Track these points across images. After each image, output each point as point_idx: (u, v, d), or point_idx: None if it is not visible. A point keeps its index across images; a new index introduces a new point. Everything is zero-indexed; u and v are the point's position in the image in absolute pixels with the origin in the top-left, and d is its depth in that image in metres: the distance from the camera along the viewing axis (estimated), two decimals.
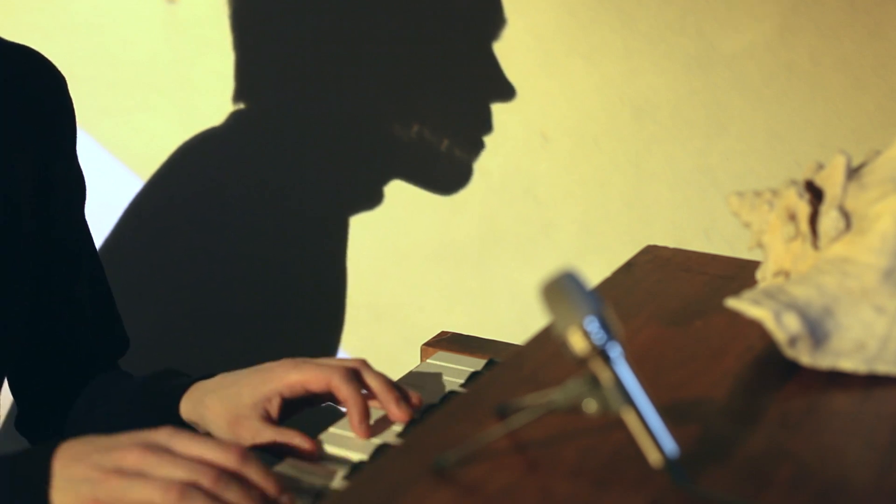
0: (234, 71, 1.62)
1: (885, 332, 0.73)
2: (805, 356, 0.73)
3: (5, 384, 1.13)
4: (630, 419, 0.59)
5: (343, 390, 0.92)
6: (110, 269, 1.22)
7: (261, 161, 1.71)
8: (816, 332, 0.72)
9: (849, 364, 0.73)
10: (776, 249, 0.82)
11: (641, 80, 1.55)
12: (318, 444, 0.90)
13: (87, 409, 1.11)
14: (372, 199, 1.68)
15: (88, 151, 1.67)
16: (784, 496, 0.59)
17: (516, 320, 1.65)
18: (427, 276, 1.70)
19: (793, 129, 1.51)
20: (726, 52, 1.51)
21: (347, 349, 1.75)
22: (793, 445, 0.65)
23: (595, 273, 0.90)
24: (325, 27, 1.64)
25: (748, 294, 0.74)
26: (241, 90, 1.63)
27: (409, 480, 0.62)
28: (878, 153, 0.80)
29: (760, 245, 0.84)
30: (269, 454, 0.91)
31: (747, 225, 0.84)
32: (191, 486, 0.76)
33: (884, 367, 0.73)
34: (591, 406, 0.60)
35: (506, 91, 1.58)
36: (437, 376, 1.05)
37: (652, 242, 1.07)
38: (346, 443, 0.90)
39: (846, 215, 0.76)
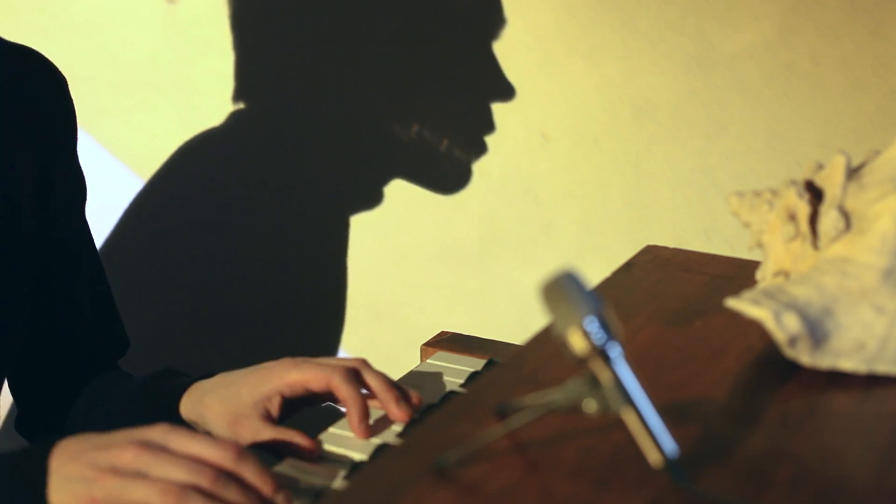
0: (234, 71, 1.62)
1: (885, 332, 0.73)
2: (805, 356, 0.73)
3: (5, 384, 1.13)
4: (630, 419, 0.59)
5: (343, 390, 0.92)
6: (110, 269, 1.22)
7: (261, 161, 1.71)
8: (816, 332, 0.72)
9: (849, 364, 0.73)
10: (776, 249, 0.82)
11: (641, 80, 1.55)
12: (318, 444, 0.90)
13: (87, 409, 1.11)
14: (372, 199, 1.68)
15: (88, 151, 1.67)
16: (784, 496, 0.59)
17: (516, 320, 1.65)
18: (427, 276, 1.70)
19: (793, 129, 1.51)
20: (726, 52, 1.51)
21: (347, 349, 1.75)
22: (793, 445, 0.65)
23: (595, 273, 0.90)
24: (325, 27, 1.64)
25: (748, 294, 0.74)
26: (241, 90, 1.63)
27: (409, 480, 0.62)
28: (878, 153, 0.80)
29: (760, 245, 0.84)
30: (269, 454, 0.90)
31: (747, 225, 0.84)
32: (189, 488, 0.75)
33: (884, 367, 0.73)
34: (591, 406, 0.60)
35: (506, 91, 1.58)
36: (437, 376, 1.05)
37: (652, 242, 1.07)
38: (346, 443, 0.90)
39: (846, 215, 0.76)
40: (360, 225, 1.70)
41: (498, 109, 1.60)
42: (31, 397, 1.15)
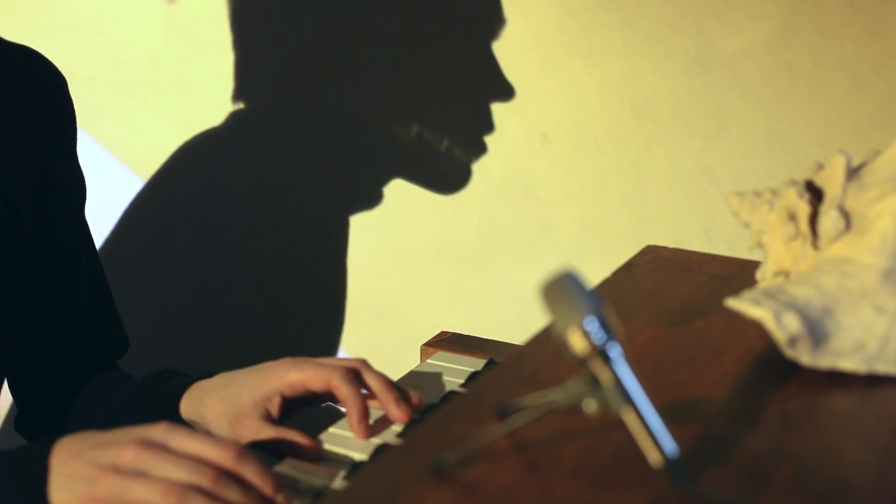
0: (234, 71, 1.62)
1: (885, 332, 0.73)
2: (805, 356, 0.73)
3: (5, 384, 1.13)
4: (630, 419, 0.59)
5: (343, 390, 0.92)
6: (110, 269, 1.22)
7: (261, 161, 1.71)
8: (816, 332, 0.72)
9: (849, 364, 0.73)
10: (776, 249, 0.82)
11: (641, 80, 1.55)
12: (318, 444, 0.90)
13: (87, 409, 1.11)
14: (372, 199, 1.68)
15: (88, 151, 1.67)
16: (784, 496, 0.59)
17: (516, 320, 1.65)
18: (427, 276, 1.70)
19: (793, 129, 1.51)
20: (726, 52, 1.51)
21: (347, 349, 1.75)
22: (793, 445, 0.65)
23: (595, 273, 0.90)
24: (325, 27, 1.64)
25: (748, 294, 0.74)
26: (241, 90, 1.63)
27: (409, 480, 0.62)
28: (878, 153, 0.80)
29: (760, 245, 0.84)
30: (269, 453, 0.90)
31: (747, 225, 0.84)
32: (190, 488, 0.75)
33: (884, 367, 0.73)
34: (591, 406, 0.60)
35: (506, 91, 1.58)
36: (437, 376, 1.05)
37: (652, 242, 1.07)
38: (346, 443, 0.90)
39: (846, 215, 0.76)
40: (360, 225, 1.70)
41: (498, 109, 1.60)
42: (30, 397, 1.15)
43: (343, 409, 0.93)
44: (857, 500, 0.60)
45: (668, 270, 0.99)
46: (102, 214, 1.71)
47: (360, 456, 0.88)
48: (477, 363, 1.08)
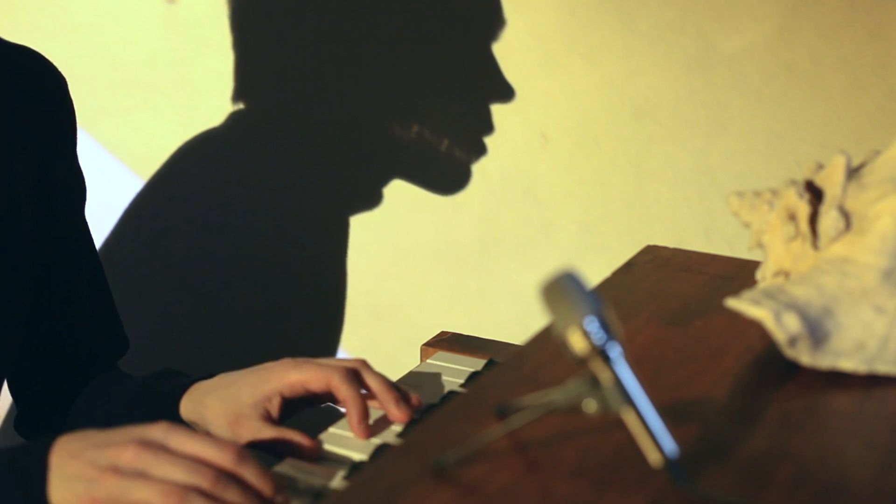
0: (234, 71, 1.62)
1: (885, 332, 0.73)
2: (805, 356, 0.73)
3: (4, 384, 1.13)
4: (630, 419, 0.59)
5: (343, 390, 0.92)
6: (110, 269, 1.22)
7: (261, 161, 1.71)
8: (816, 332, 0.72)
9: (849, 364, 0.73)
10: (776, 249, 0.82)
11: (641, 80, 1.55)
12: (318, 444, 0.90)
13: (87, 410, 1.11)
14: (372, 199, 1.68)
15: (88, 151, 1.67)
16: (784, 496, 0.59)
17: (516, 320, 1.65)
18: (427, 276, 1.70)
19: (793, 129, 1.51)
20: (726, 52, 1.51)
21: (347, 349, 1.75)
22: (793, 445, 0.65)
23: (595, 273, 0.90)
24: (325, 27, 1.64)
25: (748, 294, 0.74)
26: (241, 90, 1.63)
27: (409, 480, 0.62)
28: (878, 153, 0.80)
29: (760, 245, 0.84)
30: (269, 454, 0.90)
31: (747, 225, 0.84)
32: (190, 489, 0.75)
33: (884, 367, 0.73)
34: (591, 406, 0.60)
35: (506, 91, 1.58)
36: (436, 376, 1.05)
37: (652, 242, 1.07)
38: (346, 443, 0.90)
39: (846, 215, 0.76)
40: (360, 225, 1.70)
41: (498, 110, 1.60)
42: (30, 397, 1.15)
43: (343, 410, 0.93)
44: (857, 500, 0.60)
45: (668, 270, 0.99)
46: (102, 214, 1.71)
47: (360, 456, 0.88)
48: (477, 363, 1.08)
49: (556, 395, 0.62)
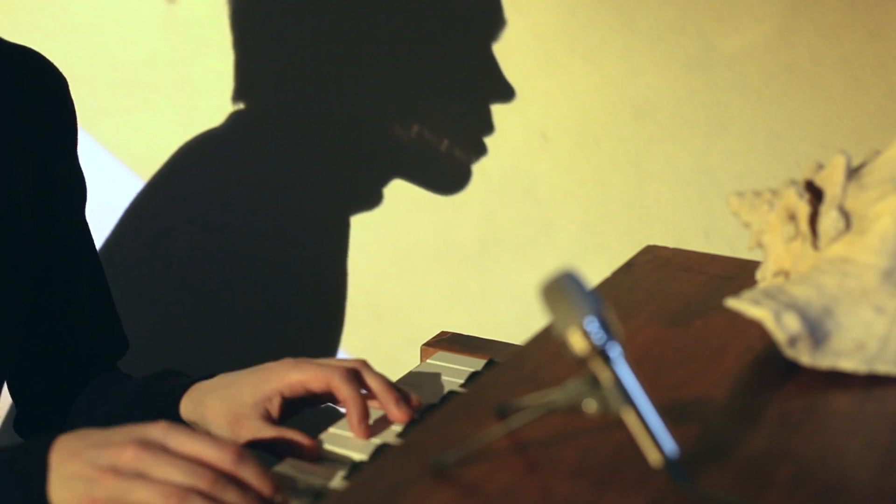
0: (234, 71, 1.62)
1: (885, 332, 0.73)
2: (805, 356, 0.73)
3: (4, 385, 1.13)
4: (630, 419, 0.59)
5: (343, 390, 0.92)
6: (110, 269, 1.22)
7: (261, 161, 1.71)
8: (816, 332, 0.72)
9: (849, 364, 0.73)
10: (776, 249, 0.82)
11: (641, 80, 1.55)
12: (318, 444, 0.90)
13: (87, 410, 1.11)
14: (372, 199, 1.68)
15: (88, 151, 1.67)
16: (784, 496, 0.59)
17: (516, 320, 1.65)
18: (427, 276, 1.70)
19: (793, 129, 1.51)
20: (726, 52, 1.51)
21: (347, 349, 1.75)
22: (793, 445, 0.65)
23: (595, 273, 0.90)
24: (325, 27, 1.64)
25: (748, 294, 0.74)
26: (241, 90, 1.63)
27: (409, 480, 0.62)
28: (878, 153, 0.80)
29: (760, 245, 0.84)
30: (269, 454, 0.90)
31: (747, 225, 0.84)
32: (190, 490, 0.75)
33: (884, 367, 0.73)
34: (591, 406, 0.60)
35: (506, 91, 1.58)
36: (436, 376, 1.05)
37: (652, 242, 1.07)
38: (346, 443, 0.90)
39: (846, 215, 0.76)
40: (360, 225, 1.70)
41: (498, 110, 1.60)
42: (30, 397, 1.15)
43: (343, 410, 0.93)
44: (857, 500, 0.60)
45: (668, 270, 0.99)
46: (102, 214, 1.71)
47: (360, 456, 0.88)
48: (477, 363, 1.08)
49: (556, 395, 0.62)
